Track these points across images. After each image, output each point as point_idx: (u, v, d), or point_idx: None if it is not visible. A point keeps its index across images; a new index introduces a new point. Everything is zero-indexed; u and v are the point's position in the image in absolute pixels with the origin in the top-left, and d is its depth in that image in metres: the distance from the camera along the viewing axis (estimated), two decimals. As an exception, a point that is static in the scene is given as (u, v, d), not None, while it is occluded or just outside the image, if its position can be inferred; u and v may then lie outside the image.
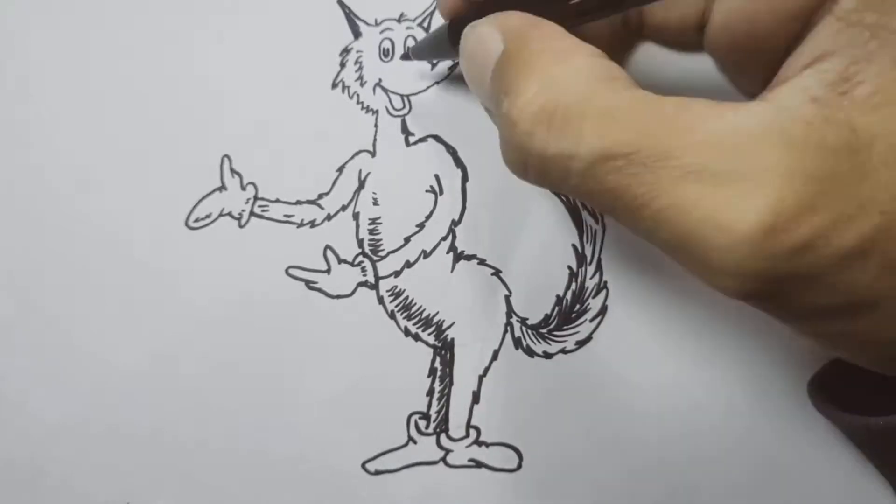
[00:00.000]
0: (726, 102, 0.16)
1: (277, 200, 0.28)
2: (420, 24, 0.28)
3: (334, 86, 0.28)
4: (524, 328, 0.27)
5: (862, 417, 0.21)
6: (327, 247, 0.28)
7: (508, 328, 0.27)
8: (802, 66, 0.17)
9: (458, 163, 0.28)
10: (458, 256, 0.28)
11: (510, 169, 0.19)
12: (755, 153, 0.16)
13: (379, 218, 0.28)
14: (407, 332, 0.28)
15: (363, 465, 0.27)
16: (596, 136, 0.17)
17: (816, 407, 0.24)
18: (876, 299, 0.16)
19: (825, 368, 0.25)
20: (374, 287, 0.28)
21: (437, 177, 0.28)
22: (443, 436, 0.27)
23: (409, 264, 0.28)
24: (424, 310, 0.28)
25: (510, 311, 0.27)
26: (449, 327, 0.28)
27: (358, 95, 0.28)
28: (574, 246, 0.27)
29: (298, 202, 0.28)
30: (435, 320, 0.28)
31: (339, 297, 0.28)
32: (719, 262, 0.16)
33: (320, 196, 0.28)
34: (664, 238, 0.17)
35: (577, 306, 0.27)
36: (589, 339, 0.27)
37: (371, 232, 0.28)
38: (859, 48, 0.16)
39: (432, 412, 0.27)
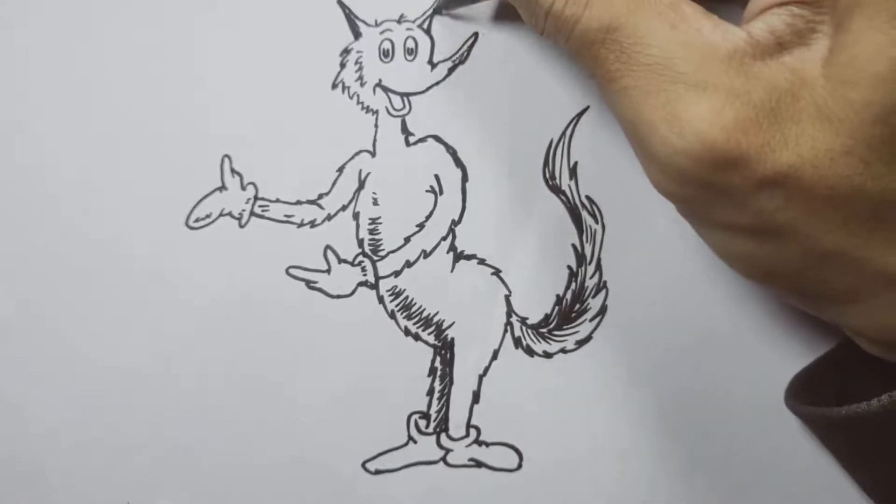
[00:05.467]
0: (713, 17, 0.18)
1: (278, 200, 0.28)
2: (420, 26, 0.28)
3: (334, 86, 0.28)
4: (524, 328, 0.27)
5: (823, 409, 0.21)
6: (327, 247, 0.28)
7: (508, 328, 0.27)
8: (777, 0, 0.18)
9: (458, 163, 0.28)
10: (458, 256, 0.28)
11: (528, 19, 0.22)
12: (717, 70, 0.18)
13: (379, 218, 0.28)
14: (407, 332, 0.28)
15: (363, 465, 0.27)
16: (599, 9, 0.19)
17: (787, 405, 0.24)
18: (779, 228, 0.18)
19: (808, 368, 0.25)
20: (374, 287, 0.28)
21: (437, 177, 0.28)
22: (443, 435, 0.27)
23: (409, 264, 0.28)
24: (424, 309, 0.28)
25: (510, 311, 0.27)
26: (449, 327, 0.28)
27: (358, 95, 0.28)
28: (574, 246, 0.27)
29: (298, 202, 0.28)
30: (435, 320, 0.28)
31: (339, 296, 0.28)
32: (662, 151, 0.18)
33: (320, 196, 0.28)
34: (622, 113, 0.20)
35: (577, 306, 0.27)
36: (589, 338, 0.27)
37: (371, 232, 0.28)
38: (828, 5, 0.18)
39: (432, 412, 0.27)
